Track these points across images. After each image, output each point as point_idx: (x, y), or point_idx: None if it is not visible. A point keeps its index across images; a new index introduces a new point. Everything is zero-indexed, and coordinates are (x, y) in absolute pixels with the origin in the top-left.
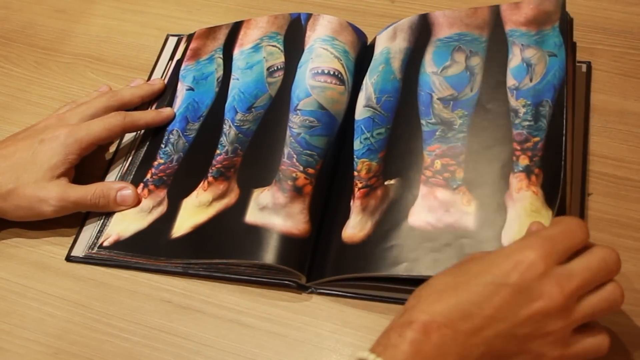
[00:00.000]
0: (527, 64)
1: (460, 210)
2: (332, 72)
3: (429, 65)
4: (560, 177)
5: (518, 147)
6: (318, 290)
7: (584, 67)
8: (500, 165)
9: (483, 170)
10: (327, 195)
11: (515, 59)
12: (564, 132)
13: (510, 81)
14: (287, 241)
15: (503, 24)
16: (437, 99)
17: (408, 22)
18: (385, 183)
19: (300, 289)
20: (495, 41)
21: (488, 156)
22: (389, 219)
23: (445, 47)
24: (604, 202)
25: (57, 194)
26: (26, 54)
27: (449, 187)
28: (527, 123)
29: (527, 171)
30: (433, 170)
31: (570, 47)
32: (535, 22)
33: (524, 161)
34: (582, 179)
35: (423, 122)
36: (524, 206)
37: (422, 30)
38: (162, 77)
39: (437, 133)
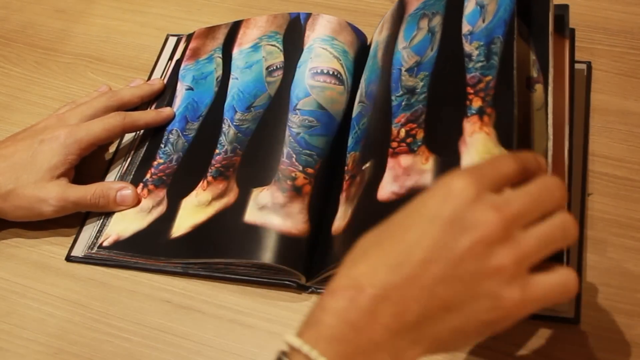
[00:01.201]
0: (480, 6)
1: (419, 170)
2: (331, 72)
3: (401, 42)
4: (513, 114)
5: (471, 91)
6: (318, 290)
7: (584, 67)
8: (454, 114)
9: (438, 123)
10: (326, 196)
11: (470, 5)
12: (514, 62)
13: (465, 27)
14: (286, 241)
15: None
16: (405, 70)
17: (390, 11)
18: (363, 168)
19: (300, 289)
20: None
21: (444, 109)
22: (363, 201)
23: (413, 20)
24: (604, 202)
25: (57, 194)
26: (26, 54)
27: (411, 151)
28: (479, 64)
29: (480, 112)
30: (398, 139)
31: None
32: None
33: (476, 103)
34: (582, 179)
35: (392, 97)
36: (477, 149)
37: (399, 13)
38: (161, 77)
39: (403, 103)
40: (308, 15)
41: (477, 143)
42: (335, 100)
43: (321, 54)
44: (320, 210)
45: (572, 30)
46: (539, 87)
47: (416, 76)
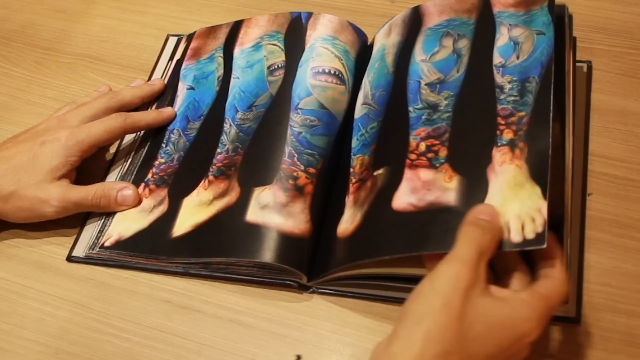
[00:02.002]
0: (514, 42)
1: (442, 187)
2: (332, 72)
3: (419, 54)
4: (548, 153)
5: (502, 122)
6: (319, 290)
7: (584, 67)
8: (483, 140)
9: (465, 146)
10: (328, 196)
11: (502, 38)
12: (551, 105)
13: (497, 59)
14: (288, 240)
15: (491, 6)
16: (425, 84)
17: (401, 16)
18: (375, 174)
19: (302, 288)
20: (484, 23)
21: (471, 132)
22: (375, 207)
23: (435, 35)
24: (604, 202)
25: (58, 194)
26: (26, 54)
27: (432, 167)
28: (512, 98)
29: (511, 145)
30: (417, 152)
31: (569, 33)
32: (524, 2)
33: (507, 135)
34: (582, 179)
35: (410, 108)
36: (506, 179)
37: (414, 22)
38: (162, 77)
39: (423, 117)
40: (309, 15)
41: (508, 174)
42: (336, 100)
43: (322, 54)
44: (322, 210)
45: (574, 39)
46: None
47: (439, 93)
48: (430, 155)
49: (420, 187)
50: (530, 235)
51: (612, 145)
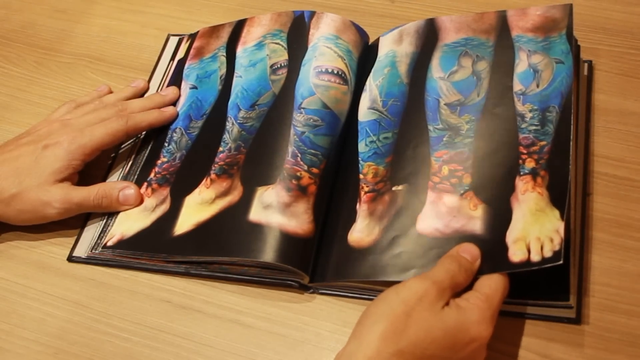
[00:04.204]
0: (534, 69)
1: (467, 215)
2: (335, 72)
3: (436, 70)
4: (567, 179)
5: (524, 151)
6: (320, 290)
7: (585, 67)
8: (506, 169)
9: (489, 174)
10: (330, 196)
11: (522, 64)
12: (572, 136)
13: (517, 86)
14: (291, 240)
15: (510, 30)
16: (444, 104)
17: (415, 26)
18: (393, 189)
19: (302, 288)
20: (502, 46)
21: (494, 160)
22: (397, 225)
23: (452, 52)
24: (604, 202)
25: (60, 196)
26: (26, 54)
27: (456, 193)
28: (533, 127)
29: (533, 173)
30: (440, 176)
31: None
32: (542, 28)
33: (530, 164)
34: (582, 179)
35: (430, 127)
36: (529, 207)
37: (429, 35)
38: (163, 76)
39: (445, 139)
40: (312, 14)
41: (530, 202)
42: (339, 100)
43: (325, 53)
44: (325, 210)
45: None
46: None
47: (460, 116)
48: (453, 180)
49: (446, 213)
50: (548, 254)
51: (612, 145)
